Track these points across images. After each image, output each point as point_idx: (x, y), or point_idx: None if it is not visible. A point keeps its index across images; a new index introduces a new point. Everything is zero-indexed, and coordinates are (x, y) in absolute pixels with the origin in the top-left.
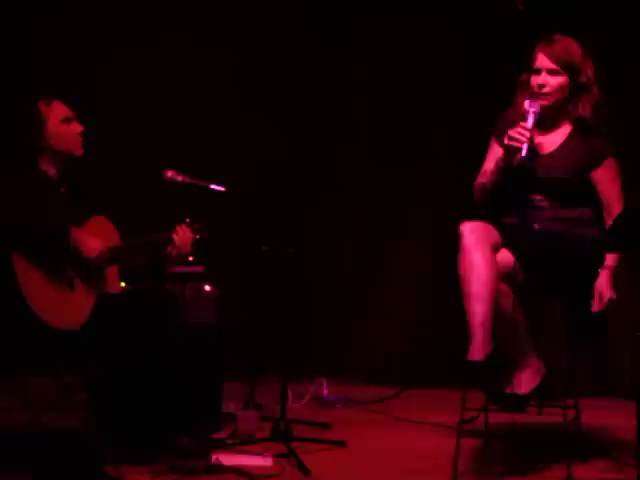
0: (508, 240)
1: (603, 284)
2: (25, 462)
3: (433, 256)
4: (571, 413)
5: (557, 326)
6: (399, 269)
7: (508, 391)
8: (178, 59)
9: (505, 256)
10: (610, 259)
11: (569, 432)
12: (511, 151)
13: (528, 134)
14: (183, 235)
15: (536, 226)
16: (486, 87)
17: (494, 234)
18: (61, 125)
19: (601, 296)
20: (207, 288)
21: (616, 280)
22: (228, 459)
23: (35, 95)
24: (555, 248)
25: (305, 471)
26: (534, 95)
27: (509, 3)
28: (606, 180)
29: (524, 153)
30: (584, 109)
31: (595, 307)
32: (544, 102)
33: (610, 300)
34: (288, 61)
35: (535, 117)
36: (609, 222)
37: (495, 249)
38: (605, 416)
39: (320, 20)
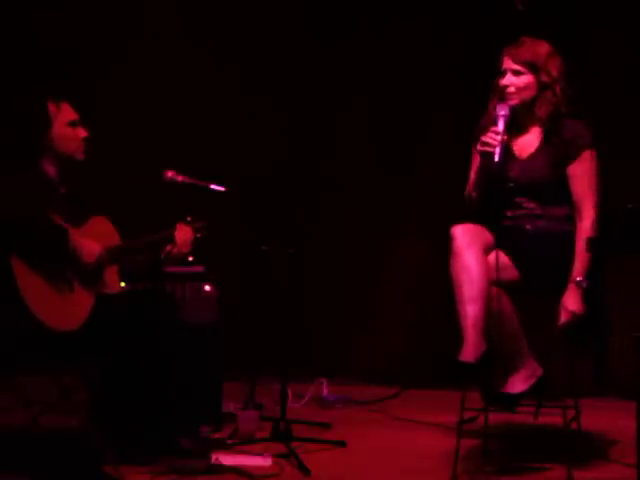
0: (502, 242)
1: (567, 299)
2: (25, 462)
3: (433, 256)
4: (571, 413)
5: (553, 326)
6: (399, 269)
7: (502, 391)
8: (178, 59)
9: (499, 256)
10: (576, 271)
11: (569, 432)
12: (486, 156)
13: (499, 138)
14: (184, 234)
15: (528, 227)
16: (486, 89)
17: (486, 235)
18: (67, 128)
19: (565, 310)
20: (207, 288)
21: (589, 290)
22: (228, 459)
23: (44, 94)
24: (548, 247)
25: (305, 471)
26: (501, 97)
27: (509, 3)
28: (580, 177)
29: (497, 158)
30: (540, 109)
31: (561, 320)
32: (512, 102)
33: (574, 314)
34: (287, 61)
35: (505, 120)
36: (578, 225)
37: (487, 250)
38: (605, 416)
39: (320, 19)
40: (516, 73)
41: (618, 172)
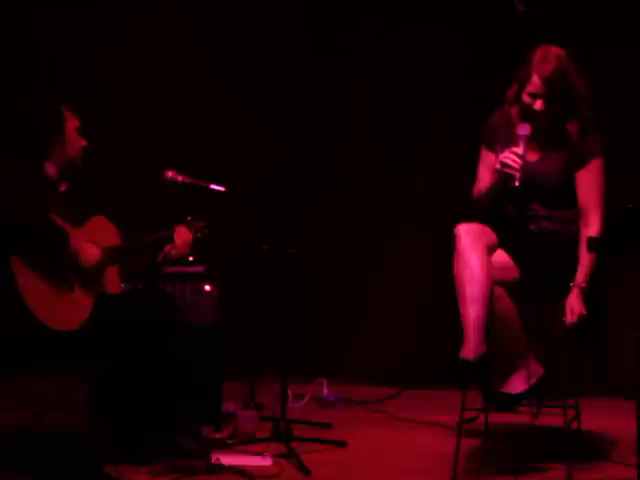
0: (505, 241)
1: (573, 301)
2: (25, 462)
3: (433, 256)
4: (571, 413)
5: (556, 326)
6: (399, 269)
7: (502, 391)
8: (178, 59)
9: (501, 256)
10: (580, 277)
11: (569, 432)
12: (504, 178)
13: (520, 161)
14: (182, 235)
15: (532, 227)
16: (485, 90)
17: (490, 235)
18: (74, 133)
19: (572, 311)
20: (207, 288)
21: (590, 293)
22: (228, 459)
23: (59, 100)
24: (551, 248)
25: (305, 471)
26: (526, 116)
27: (509, 3)
28: (587, 184)
29: (517, 183)
30: (573, 129)
31: (568, 320)
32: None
33: (581, 315)
34: (288, 61)
35: (526, 140)
36: (584, 231)
37: (490, 250)
38: (605, 416)
39: (320, 20)
40: (547, 98)
41: (618, 172)
